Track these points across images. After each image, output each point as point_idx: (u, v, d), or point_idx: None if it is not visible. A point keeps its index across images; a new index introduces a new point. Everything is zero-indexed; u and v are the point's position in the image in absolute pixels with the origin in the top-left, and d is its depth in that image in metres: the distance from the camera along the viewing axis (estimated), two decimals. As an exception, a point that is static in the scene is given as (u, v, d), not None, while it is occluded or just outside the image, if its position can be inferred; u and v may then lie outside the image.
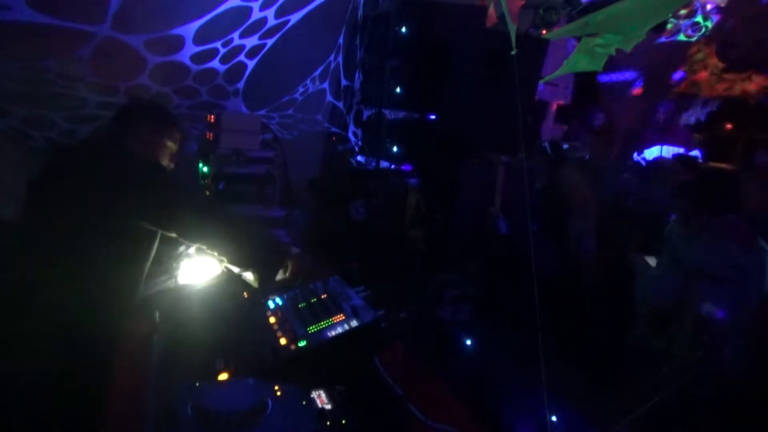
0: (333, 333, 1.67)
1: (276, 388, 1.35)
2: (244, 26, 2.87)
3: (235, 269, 1.72)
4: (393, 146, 3.87)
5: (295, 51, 3.41)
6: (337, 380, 1.48)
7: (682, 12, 6.59)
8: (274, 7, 2.86)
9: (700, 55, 6.95)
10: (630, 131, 6.64)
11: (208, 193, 2.99)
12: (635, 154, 5.89)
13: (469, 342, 2.27)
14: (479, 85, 3.40)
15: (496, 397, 1.79)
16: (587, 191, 3.88)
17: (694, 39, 6.86)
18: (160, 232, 1.61)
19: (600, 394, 2.30)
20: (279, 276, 1.76)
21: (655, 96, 6.85)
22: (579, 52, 1.22)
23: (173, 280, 2.06)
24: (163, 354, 1.69)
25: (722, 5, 6.51)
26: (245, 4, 2.68)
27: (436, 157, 3.58)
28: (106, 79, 2.82)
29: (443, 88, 3.44)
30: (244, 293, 1.97)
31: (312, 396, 1.37)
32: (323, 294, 1.88)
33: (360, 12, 3.89)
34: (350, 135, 4.42)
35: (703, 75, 6.89)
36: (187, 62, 2.92)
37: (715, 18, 6.68)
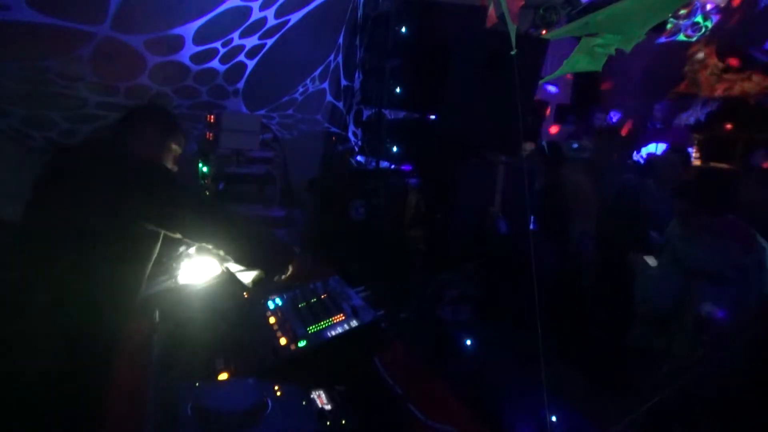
0: (333, 333, 1.67)
1: (276, 388, 1.35)
2: (244, 26, 2.87)
3: (240, 268, 1.72)
4: (393, 146, 3.87)
5: (295, 51, 3.41)
6: (337, 380, 1.48)
7: (682, 12, 6.59)
8: (274, 7, 2.86)
9: (700, 55, 6.95)
10: (628, 131, 6.65)
11: (208, 193, 2.99)
12: (634, 154, 5.89)
13: (469, 342, 2.28)
14: (479, 85, 3.39)
15: (496, 397, 1.79)
16: (587, 191, 3.88)
17: (694, 39, 6.86)
18: (162, 233, 1.61)
19: (600, 394, 2.30)
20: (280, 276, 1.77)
21: (653, 96, 6.85)
22: (579, 52, 1.22)
23: (173, 280, 2.06)
24: (163, 354, 1.69)
25: (722, 5, 6.51)
26: (245, 4, 2.68)
27: (436, 157, 3.58)
28: (106, 79, 2.82)
29: (443, 88, 3.44)
30: (244, 293, 1.98)
31: (312, 396, 1.36)
32: (323, 294, 1.88)
33: (360, 12, 3.89)
34: (350, 135, 4.42)
35: (703, 75, 6.89)
36: (187, 62, 2.92)
37: (715, 18, 6.68)
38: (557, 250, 3.47)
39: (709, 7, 6.53)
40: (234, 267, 2.03)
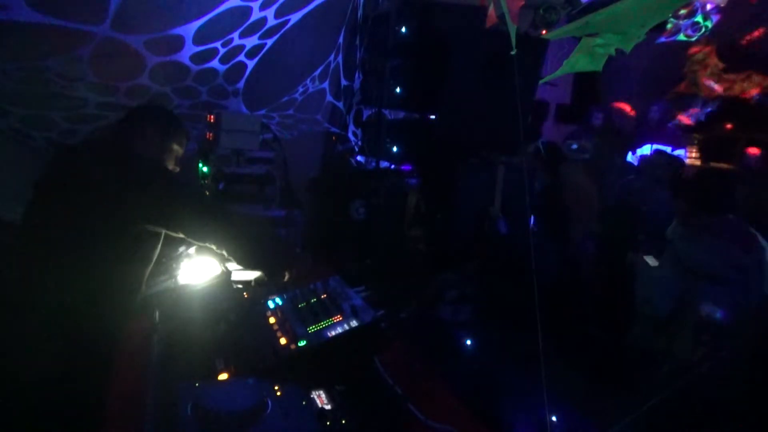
0: (333, 333, 1.67)
1: (276, 388, 1.35)
2: (244, 26, 2.86)
3: (241, 267, 1.72)
4: (393, 146, 3.87)
5: (295, 51, 3.41)
6: (337, 380, 1.48)
7: (682, 12, 6.59)
8: (274, 7, 2.86)
9: (700, 55, 6.95)
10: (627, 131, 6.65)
11: (208, 193, 2.99)
12: (630, 154, 5.89)
13: (469, 342, 2.28)
14: (479, 86, 3.39)
15: (496, 397, 1.79)
16: (587, 192, 3.88)
17: (694, 39, 6.86)
18: (164, 233, 1.61)
19: (600, 394, 2.30)
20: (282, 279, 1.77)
21: (650, 96, 6.85)
22: (579, 52, 1.22)
23: (173, 280, 2.06)
24: (163, 354, 1.69)
25: (722, 5, 6.51)
26: (245, 4, 2.68)
27: (436, 157, 3.58)
28: (106, 79, 2.82)
29: (443, 88, 3.44)
30: (244, 293, 1.98)
31: (312, 396, 1.37)
32: (323, 294, 1.88)
33: (360, 12, 3.89)
34: (350, 135, 4.42)
35: (703, 75, 6.90)
36: (187, 62, 2.91)
37: (715, 18, 6.68)
38: (557, 250, 3.48)
39: (709, 7, 6.53)
40: (234, 267, 2.03)
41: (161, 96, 3.11)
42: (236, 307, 1.87)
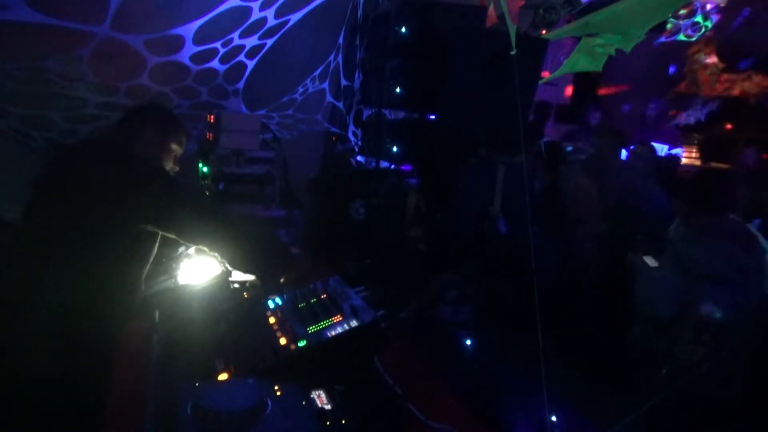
0: (333, 333, 1.67)
1: (276, 388, 1.35)
2: (244, 26, 2.86)
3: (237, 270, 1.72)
4: (393, 146, 3.87)
5: (295, 51, 3.41)
6: (337, 380, 1.48)
7: (682, 12, 6.59)
8: (274, 7, 2.86)
9: (700, 55, 6.96)
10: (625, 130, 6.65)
11: (207, 194, 2.99)
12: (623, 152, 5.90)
13: (469, 342, 2.28)
14: (479, 86, 3.40)
15: (496, 397, 1.79)
16: (588, 192, 3.88)
17: (694, 39, 6.87)
18: (160, 233, 1.61)
19: (600, 394, 2.30)
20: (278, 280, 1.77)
21: (647, 94, 6.87)
22: (579, 52, 1.22)
23: (173, 280, 2.06)
24: (163, 354, 1.69)
25: (722, 5, 6.51)
26: (245, 4, 2.68)
27: (436, 157, 3.58)
28: (106, 79, 2.82)
29: (443, 88, 3.44)
30: (244, 293, 1.98)
31: (312, 396, 1.37)
32: (323, 294, 1.88)
33: (360, 12, 3.89)
34: (350, 135, 4.42)
35: (703, 75, 6.90)
36: (187, 62, 2.91)
37: (715, 18, 6.68)
38: (558, 250, 3.47)
39: (709, 7, 6.53)
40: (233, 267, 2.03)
41: (161, 96, 3.10)
42: (236, 307, 1.87)
